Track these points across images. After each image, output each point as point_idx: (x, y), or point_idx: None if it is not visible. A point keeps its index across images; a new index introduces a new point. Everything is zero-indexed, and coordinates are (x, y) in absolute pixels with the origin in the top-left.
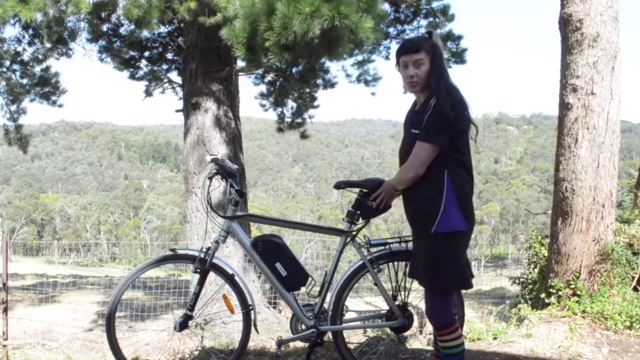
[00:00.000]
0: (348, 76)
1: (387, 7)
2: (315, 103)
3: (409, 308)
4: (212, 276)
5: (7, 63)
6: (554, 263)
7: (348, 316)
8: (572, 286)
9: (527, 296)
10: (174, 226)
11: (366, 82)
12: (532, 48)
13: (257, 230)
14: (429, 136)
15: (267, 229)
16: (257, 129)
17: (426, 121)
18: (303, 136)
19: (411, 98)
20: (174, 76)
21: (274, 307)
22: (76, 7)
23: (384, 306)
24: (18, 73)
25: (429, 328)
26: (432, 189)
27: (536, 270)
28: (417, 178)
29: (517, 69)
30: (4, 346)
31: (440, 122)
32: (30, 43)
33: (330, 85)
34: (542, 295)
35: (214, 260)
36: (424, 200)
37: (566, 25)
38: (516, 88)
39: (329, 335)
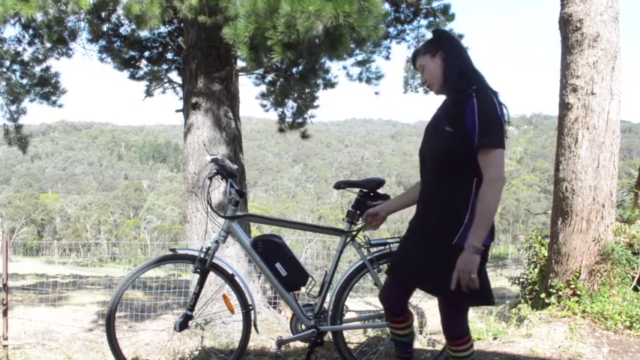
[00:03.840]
0: (349, 75)
1: (387, 6)
2: (316, 103)
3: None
4: (212, 276)
5: (7, 63)
6: (554, 263)
7: (348, 316)
8: (572, 286)
9: (527, 296)
10: (174, 226)
11: (368, 81)
12: (532, 48)
13: (257, 230)
14: (498, 139)
15: (267, 229)
16: (257, 129)
17: (480, 123)
18: (304, 136)
19: (410, 98)
20: (174, 76)
21: (274, 307)
22: (77, 6)
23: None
24: (18, 73)
25: (429, 328)
26: (458, 197)
27: (536, 270)
28: (502, 184)
29: (517, 69)
30: (5, 346)
31: (496, 120)
32: (30, 43)
33: (330, 85)
34: (542, 295)
35: (214, 260)
36: (448, 209)
37: (567, 25)
38: (516, 88)
39: (329, 335)
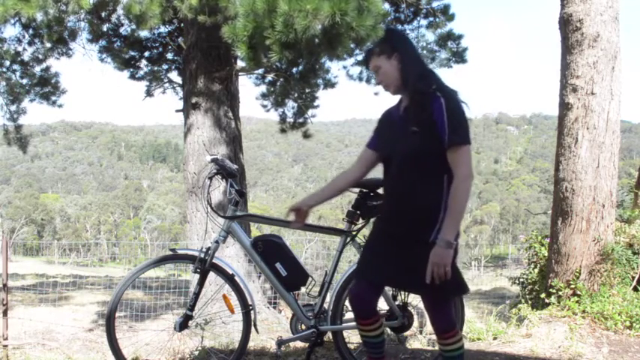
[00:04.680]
0: (349, 75)
1: (387, 6)
2: (316, 103)
3: (409, 308)
4: (212, 276)
5: (7, 63)
6: (554, 263)
7: (348, 316)
8: (572, 286)
9: (527, 296)
10: (174, 226)
11: (368, 80)
12: (532, 48)
13: (257, 230)
14: (466, 136)
15: (267, 229)
16: (257, 129)
17: (449, 122)
18: (306, 135)
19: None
20: (174, 76)
21: (274, 307)
22: (77, 6)
23: (384, 306)
24: (18, 73)
25: (428, 328)
26: (430, 196)
27: (536, 270)
28: (472, 179)
29: (517, 69)
30: (5, 346)
31: (462, 118)
32: (30, 43)
33: (330, 85)
34: (542, 295)
35: (214, 260)
36: (422, 206)
37: (567, 25)
38: (516, 88)
39: (329, 335)
